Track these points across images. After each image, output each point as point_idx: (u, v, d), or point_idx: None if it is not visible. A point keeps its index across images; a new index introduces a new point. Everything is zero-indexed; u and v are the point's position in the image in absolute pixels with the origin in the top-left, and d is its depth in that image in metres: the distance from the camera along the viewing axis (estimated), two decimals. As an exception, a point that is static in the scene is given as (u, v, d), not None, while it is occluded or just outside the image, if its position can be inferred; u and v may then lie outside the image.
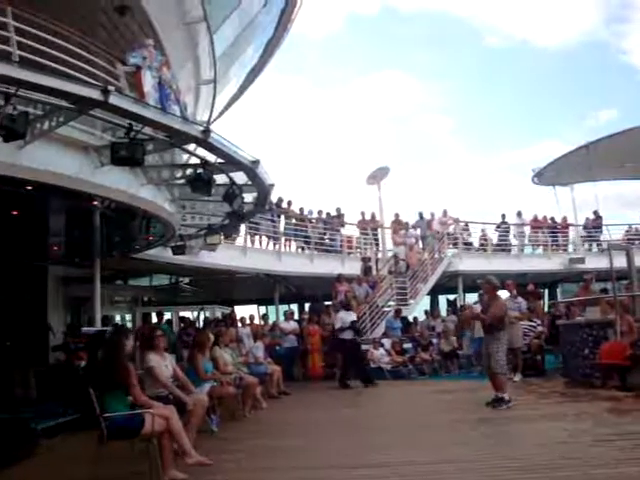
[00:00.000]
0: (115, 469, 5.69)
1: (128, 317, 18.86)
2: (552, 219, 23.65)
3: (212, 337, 9.25)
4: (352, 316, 13.74)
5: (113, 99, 6.06)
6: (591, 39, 64.77)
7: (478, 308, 11.51)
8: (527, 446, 6.26)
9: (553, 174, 22.57)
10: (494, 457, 5.81)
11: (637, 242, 23.01)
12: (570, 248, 23.37)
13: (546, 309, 21.56)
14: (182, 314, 18.38)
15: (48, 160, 6.88)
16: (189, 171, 8.52)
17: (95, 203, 8.95)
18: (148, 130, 7.39)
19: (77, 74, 6.72)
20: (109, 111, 6.57)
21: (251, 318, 14.43)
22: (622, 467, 5.14)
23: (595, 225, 23.88)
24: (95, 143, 7.57)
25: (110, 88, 6.03)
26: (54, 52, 6.72)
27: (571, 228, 23.62)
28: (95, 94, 5.96)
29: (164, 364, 6.89)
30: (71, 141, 7.25)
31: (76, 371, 10.10)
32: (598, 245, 23.52)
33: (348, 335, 13.30)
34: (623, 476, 4.87)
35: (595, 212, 24.00)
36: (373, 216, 21.28)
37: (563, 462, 5.41)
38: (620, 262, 11.95)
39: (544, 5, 66.74)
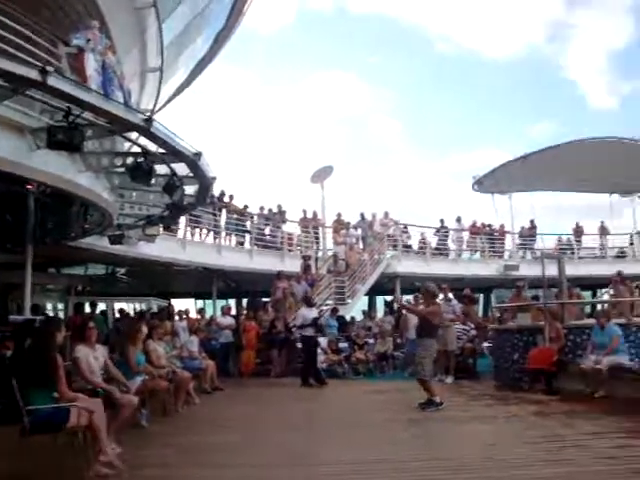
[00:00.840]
0: (38, 463, 5.50)
1: (60, 306, 18.31)
2: (489, 226, 24.28)
3: (145, 330, 9.08)
4: (314, 313, 13.59)
5: (52, 80, 5.84)
6: (534, 54, 67.02)
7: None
8: (456, 447, 6.40)
9: (492, 182, 23.15)
10: (423, 457, 5.91)
11: (569, 252, 23.90)
12: (506, 255, 24.07)
13: (480, 314, 22.19)
14: (120, 306, 17.99)
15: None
16: (129, 160, 8.31)
17: (29, 187, 8.64)
18: (89, 115, 7.17)
19: (16, 52, 6.45)
20: (47, 92, 6.33)
21: (186, 312, 14.20)
22: (547, 468, 5.33)
23: (530, 234, 24.69)
24: (32, 125, 7.28)
25: (49, 69, 5.80)
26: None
27: (507, 236, 24.32)
28: (33, 74, 5.72)
29: (94, 356, 6.71)
30: (5, 121, 6.95)
31: (1, 361, 9.72)
32: (532, 253, 24.30)
33: (309, 332, 13.12)
34: (547, 477, 5.04)
35: (531, 221, 24.81)
36: (315, 214, 21.32)
37: (490, 463, 5.57)
38: (552, 270, 12.33)
39: (493, 18, 68.61)
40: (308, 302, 14.14)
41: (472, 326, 14.21)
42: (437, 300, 10.11)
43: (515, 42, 73.93)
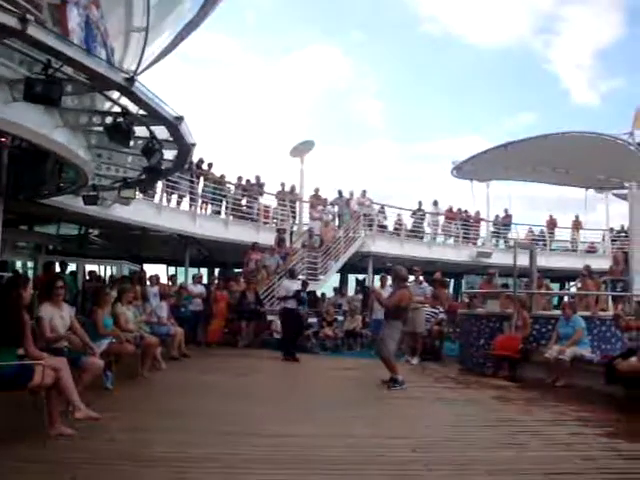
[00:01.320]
0: (0, 423, 5.46)
1: (30, 264, 18.07)
2: (465, 212, 24.46)
3: (115, 293, 9.02)
4: (297, 285, 13.43)
5: (31, 30, 5.66)
6: (520, 45, 67.14)
7: (384, 292, 11.80)
8: (416, 426, 6.51)
9: (471, 169, 23.22)
10: (381, 435, 6.00)
11: (541, 243, 24.21)
12: (479, 242, 24.32)
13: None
14: (91, 268, 17.80)
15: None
16: (109, 119, 8.15)
17: (3, 140, 8.45)
18: (69, 70, 6.99)
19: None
20: (26, 42, 6.14)
21: (157, 278, 14.12)
22: (500, 451, 5.45)
23: (504, 223, 24.95)
24: (9, 76, 7.09)
25: (29, 17, 5.62)
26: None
27: (482, 223, 24.54)
28: (12, 22, 5.54)
29: (60, 315, 6.65)
30: (-19, 71, 6.77)
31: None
32: (505, 242, 24.58)
33: (292, 304, 12.95)
34: (500, 460, 5.14)
35: (506, 210, 25.07)
36: (293, 188, 21.24)
37: (447, 443, 5.68)
38: (523, 260, 12.48)
39: (483, 3, 68.26)
40: (292, 274, 14.07)
41: (441, 309, 14.35)
42: (406, 283, 10.18)
43: (502, 30, 74.08)
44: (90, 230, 19.13)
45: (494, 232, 24.82)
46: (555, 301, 17.93)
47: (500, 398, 8.58)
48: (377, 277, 18.58)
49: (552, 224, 25.87)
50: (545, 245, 24.73)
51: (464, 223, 24.05)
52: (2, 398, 5.37)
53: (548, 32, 75.68)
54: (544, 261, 19.66)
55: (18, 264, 18.22)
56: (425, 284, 14.07)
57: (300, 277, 17.37)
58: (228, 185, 19.57)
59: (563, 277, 23.30)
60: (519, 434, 6.19)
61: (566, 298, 15.89)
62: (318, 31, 72.26)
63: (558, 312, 11.05)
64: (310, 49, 72.46)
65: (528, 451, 5.49)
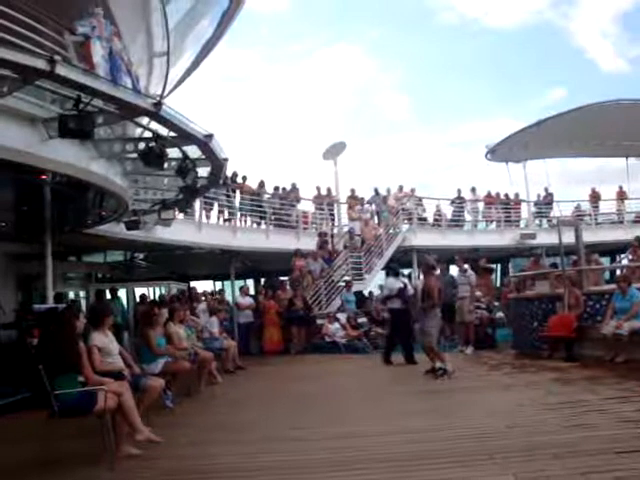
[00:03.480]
0: (68, 447, 5.65)
1: (82, 294, 18.53)
2: (506, 195, 24.10)
3: (166, 313, 9.19)
4: (399, 283, 12.00)
5: (60, 69, 5.85)
6: (539, 20, 65.56)
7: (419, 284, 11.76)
8: (477, 416, 6.46)
9: (506, 151, 22.91)
10: (444, 427, 5.98)
11: (586, 218, 23.68)
12: (522, 224, 23.91)
13: (498, 284, 22.15)
14: (139, 292, 18.15)
15: (-7, 133, 6.65)
16: (141, 145, 8.34)
17: (44, 177, 8.70)
18: (98, 102, 7.19)
19: (23, 43, 6.47)
20: (56, 82, 6.35)
21: (204, 294, 14.37)
22: (564, 434, 5.35)
23: (546, 202, 24.47)
24: (43, 115, 7.32)
25: (56, 58, 5.81)
26: (-1, 20, 6.45)
27: (523, 204, 24.12)
28: (41, 64, 5.74)
29: (110, 340, 6.77)
30: (17, 113, 6.99)
31: (28, 349, 9.91)
32: (548, 221, 24.12)
33: (397, 304, 11.76)
34: (565, 442, 5.04)
35: (546, 189, 24.58)
36: (329, 191, 21.29)
37: (509, 430, 5.63)
38: (569, 238, 12.26)
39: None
40: (395, 272, 12.82)
41: (488, 297, 14.22)
42: (433, 272, 10.35)
43: (519, 8, 72.32)
44: (135, 254, 19.51)
45: (536, 212, 24.37)
46: (607, 276, 17.51)
47: (560, 380, 8.45)
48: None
49: (595, 197, 25.24)
50: (590, 220, 24.16)
51: (504, 206, 23.68)
52: (69, 424, 5.56)
53: (566, 3, 73.93)
54: (591, 236, 19.22)
55: (70, 294, 18.69)
56: (470, 272, 13.91)
57: (346, 278, 17.45)
58: (265, 195, 19.69)
59: (612, 250, 22.72)
60: (584, 414, 6.09)
61: (618, 271, 15.51)
62: (334, 33, 72.12)
63: (611, 287, 10.81)
64: (328, 51, 72.33)
65: (596, 431, 5.38)
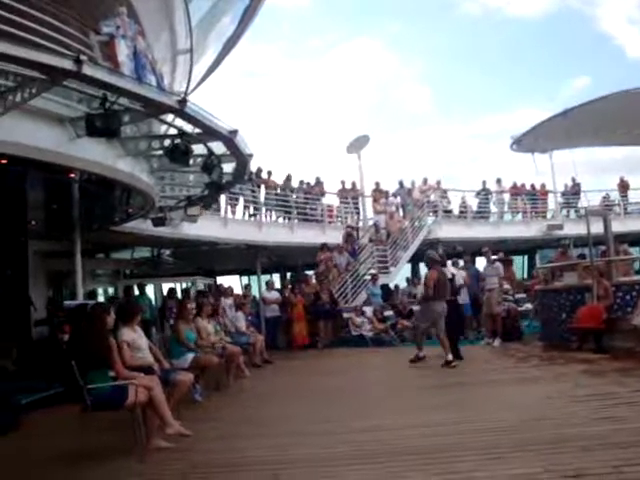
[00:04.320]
0: (100, 440, 5.75)
1: (110, 290, 18.80)
2: (532, 186, 23.82)
3: (194, 308, 9.30)
4: (448, 274, 10.87)
5: (86, 69, 5.94)
6: (562, 8, 64.48)
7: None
8: (503, 408, 6.44)
9: (532, 141, 22.64)
10: (473, 419, 5.96)
11: (614, 208, 23.30)
12: (549, 215, 23.62)
13: (525, 275, 21.95)
14: (170, 286, 18.36)
15: (22, 133, 6.76)
16: (167, 142, 8.43)
17: (73, 176, 8.85)
18: (124, 101, 7.28)
19: (50, 44, 6.59)
20: (83, 81, 6.44)
21: (230, 290, 14.48)
22: (594, 426, 5.30)
23: (573, 192, 24.13)
24: (70, 114, 7.45)
25: (83, 58, 5.89)
26: (26, 22, 6.56)
27: (550, 195, 23.83)
28: (68, 64, 5.84)
29: (139, 335, 6.87)
30: (45, 113, 7.12)
31: (59, 345, 10.10)
32: (576, 211, 23.80)
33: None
34: (594, 434, 5.00)
35: (573, 179, 24.23)
36: (353, 185, 21.27)
37: (537, 423, 5.58)
38: (597, 228, 12.10)
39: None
40: (443, 262, 11.25)
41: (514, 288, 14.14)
42: (436, 265, 10.48)
43: (540, -3, 71.12)
44: (162, 250, 19.72)
45: (564, 203, 24.06)
46: (637, 266, 17.23)
47: (589, 372, 8.36)
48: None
49: (624, 186, 24.80)
50: (619, 209, 23.78)
51: (531, 197, 23.41)
52: (101, 417, 5.67)
53: (590, -10, 72.56)
54: (620, 226, 18.93)
55: (99, 291, 18.96)
56: (498, 263, 13.79)
57: (372, 271, 17.42)
58: (289, 191, 19.73)
59: (643, 240, 22.35)
60: (613, 407, 6.02)
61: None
62: (354, 27, 71.71)
63: (641, 277, 10.67)
64: (349, 46, 72.12)
65: (625, 424, 5.31)
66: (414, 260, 20.68)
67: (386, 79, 72.77)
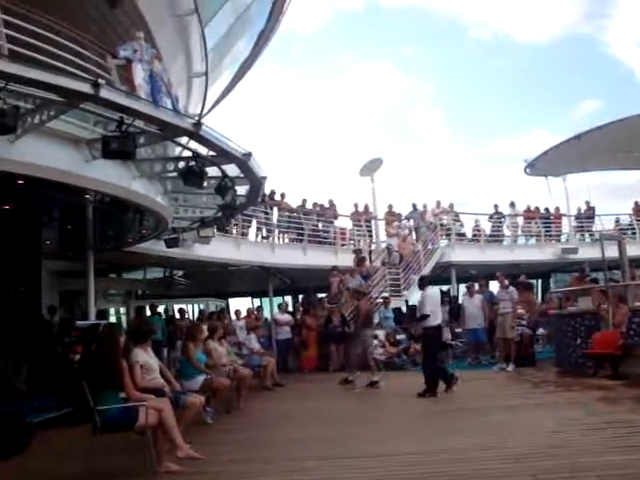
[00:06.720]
0: (110, 462, 5.73)
1: (122, 310, 18.86)
2: (546, 209, 23.71)
3: (205, 330, 9.28)
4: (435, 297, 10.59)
5: (103, 92, 6.04)
6: (573, 33, 64.73)
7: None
8: (517, 435, 6.34)
9: (545, 164, 22.60)
10: (485, 446, 5.88)
11: (629, 232, 23.10)
12: (563, 238, 23.46)
13: (539, 300, 21.72)
14: (180, 307, 18.39)
15: (39, 154, 6.85)
16: (181, 164, 8.50)
17: (87, 197, 8.92)
18: (140, 123, 7.37)
19: (68, 67, 6.70)
20: (100, 104, 6.55)
21: (237, 313, 14.52)
22: (610, 455, 5.20)
23: (587, 215, 23.97)
24: (86, 136, 7.54)
25: (100, 81, 6.00)
26: (45, 45, 6.68)
27: (564, 218, 23.69)
28: (85, 87, 5.94)
29: (150, 356, 6.86)
30: (62, 135, 7.22)
31: (71, 365, 10.11)
32: (590, 235, 23.61)
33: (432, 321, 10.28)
34: (611, 464, 4.90)
35: (587, 202, 24.09)
36: (366, 207, 21.28)
37: (552, 451, 5.49)
38: (612, 252, 11.99)
39: (528, 1, 66.69)
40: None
41: (529, 313, 14.00)
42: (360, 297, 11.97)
43: (551, 22, 71.56)
44: (175, 271, 19.78)
45: (578, 226, 23.89)
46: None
47: (605, 399, 8.24)
48: (462, 286, 18.26)
49: (639, 210, 24.62)
50: (634, 233, 23.56)
51: (544, 221, 23.27)
52: (111, 439, 5.64)
53: (599, 16, 72.78)
54: (636, 250, 18.74)
55: (111, 311, 19.01)
56: (511, 288, 13.69)
57: (384, 295, 17.33)
58: (303, 210, 19.77)
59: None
60: (631, 436, 5.90)
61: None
62: (367, 51, 72.30)
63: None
64: (361, 69, 72.55)
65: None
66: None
67: (399, 102, 73.12)
